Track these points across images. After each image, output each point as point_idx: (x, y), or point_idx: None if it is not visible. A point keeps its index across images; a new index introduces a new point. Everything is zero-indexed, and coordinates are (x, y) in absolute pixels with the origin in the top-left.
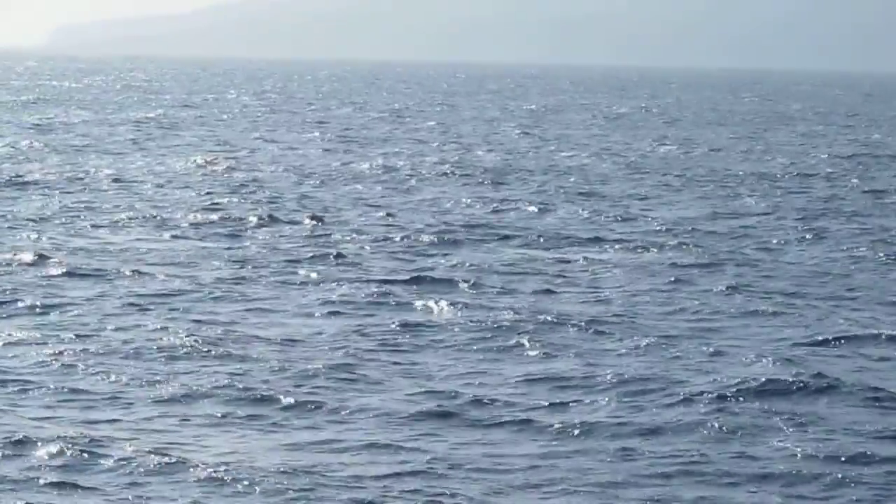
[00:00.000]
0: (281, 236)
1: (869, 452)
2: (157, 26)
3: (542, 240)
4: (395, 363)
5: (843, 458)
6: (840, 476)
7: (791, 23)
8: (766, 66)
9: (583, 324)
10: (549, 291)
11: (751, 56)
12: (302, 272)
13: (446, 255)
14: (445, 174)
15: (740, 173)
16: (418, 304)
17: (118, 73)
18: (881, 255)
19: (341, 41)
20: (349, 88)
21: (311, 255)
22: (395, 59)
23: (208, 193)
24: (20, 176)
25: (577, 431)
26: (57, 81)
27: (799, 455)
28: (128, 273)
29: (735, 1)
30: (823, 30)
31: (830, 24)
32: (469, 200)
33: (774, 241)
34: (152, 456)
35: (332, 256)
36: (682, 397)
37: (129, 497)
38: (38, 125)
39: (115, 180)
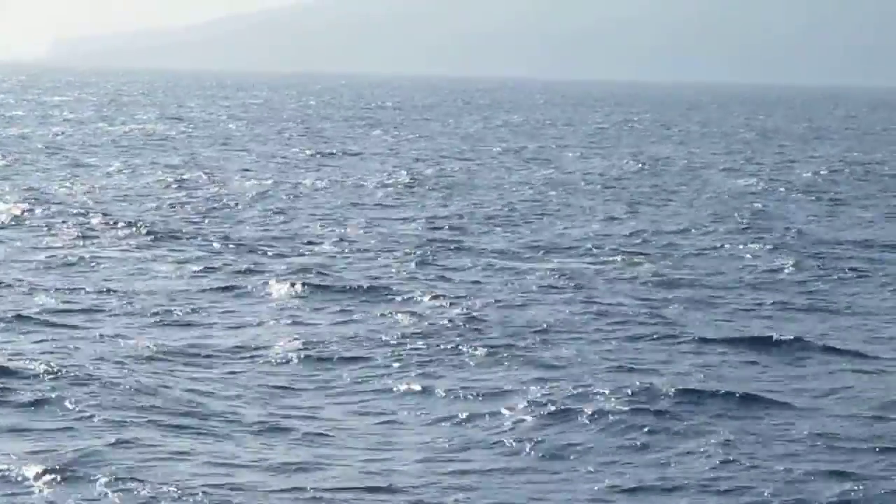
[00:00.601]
0: (239, 250)
1: (774, 461)
2: (159, 38)
3: (501, 252)
4: (336, 378)
5: (754, 467)
6: (750, 485)
7: (798, 37)
8: (770, 81)
9: (517, 336)
10: (499, 304)
11: (756, 71)
12: (256, 286)
13: (404, 268)
14: (411, 188)
15: (708, 189)
16: (370, 316)
17: (111, 85)
18: (827, 268)
19: (348, 55)
20: (339, 102)
21: (267, 268)
22: (404, 73)
23: (174, 206)
24: None
25: (504, 447)
26: (47, 96)
27: (709, 465)
28: (83, 287)
29: (741, 16)
30: (829, 45)
31: (835, 39)
32: (430, 214)
33: (721, 255)
34: (93, 470)
35: (288, 270)
36: (595, 410)
37: None
38: (13, 139)
39: (81, 193)
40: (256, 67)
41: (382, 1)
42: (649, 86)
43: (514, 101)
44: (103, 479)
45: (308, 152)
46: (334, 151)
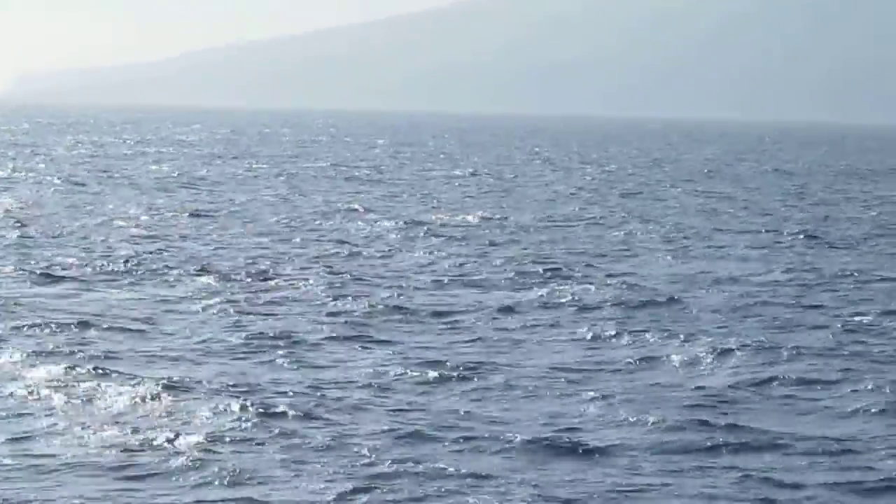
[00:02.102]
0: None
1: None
2: (129, 73)
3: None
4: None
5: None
6: None
7: (771, 74)
8: (742, 117)
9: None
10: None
11: (734, 105)
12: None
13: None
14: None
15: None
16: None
17: (44, 120)
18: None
19: (326, 90)
20: (261, 139)
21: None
22: (379, 108)
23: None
24: None
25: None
26: None
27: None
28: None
29: (722, 50)
30: (809, 79)
31: (814, 74)
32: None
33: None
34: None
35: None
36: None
37: None
38: None
39: None
40: (231, 103)
41: (355, 37)
42: (624, 120)
43: (430, 136)
44: None
45: (189, 194)
46: (212, 190)
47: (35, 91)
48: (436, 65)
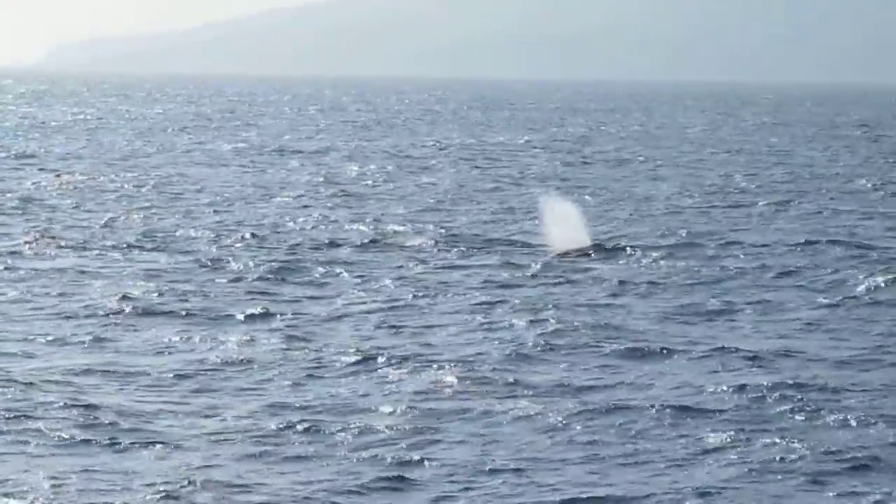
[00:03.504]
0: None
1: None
2: (158, 42)
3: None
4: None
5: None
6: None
7: (795, 37)
8: (772, 79)
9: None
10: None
11: (757, 70)
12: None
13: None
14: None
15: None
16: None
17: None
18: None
19: (348, 58)
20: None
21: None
22: (403, 75)
23: None
24: None
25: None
26: None
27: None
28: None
29: (741, 15)
30: (830, 43)
31: (836, 38)
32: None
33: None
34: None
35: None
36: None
37: None
38: None
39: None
40: (257, 70)
41: (377, 5)
42: (643, 84)
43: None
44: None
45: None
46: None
47: (69, 61)
48: (459, 33)
